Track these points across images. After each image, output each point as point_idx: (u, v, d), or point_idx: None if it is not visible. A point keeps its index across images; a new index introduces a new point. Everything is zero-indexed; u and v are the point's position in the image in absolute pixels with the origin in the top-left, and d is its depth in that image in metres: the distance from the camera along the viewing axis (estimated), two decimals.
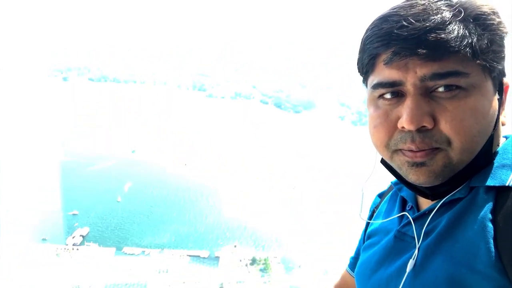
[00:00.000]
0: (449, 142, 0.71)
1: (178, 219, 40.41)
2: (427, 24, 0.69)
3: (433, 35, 0.68)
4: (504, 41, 0.75)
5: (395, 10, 0.74)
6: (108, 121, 70.36)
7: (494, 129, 0.76)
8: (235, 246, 35.32)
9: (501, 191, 0.70)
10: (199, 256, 34.04)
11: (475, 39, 0.70)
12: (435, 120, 0.71)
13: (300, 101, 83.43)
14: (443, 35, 0.68)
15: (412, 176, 0.75)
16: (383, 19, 0.75)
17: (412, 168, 0.75)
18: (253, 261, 33.17)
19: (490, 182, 0.72)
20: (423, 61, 0.70)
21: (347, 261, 1.17)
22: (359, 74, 0.85)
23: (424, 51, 0.69)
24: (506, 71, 0.78)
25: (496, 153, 0.78)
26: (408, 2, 0.74)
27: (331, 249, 35.67)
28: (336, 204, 43.57)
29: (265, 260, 33.33)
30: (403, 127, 0.72)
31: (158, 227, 38.68)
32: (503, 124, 0.80)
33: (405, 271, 0.78)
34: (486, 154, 0.76)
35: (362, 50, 0.80)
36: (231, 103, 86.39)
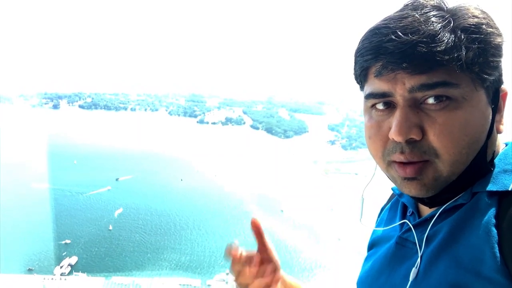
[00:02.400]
0: (437, 154, 0.72)
1: (170, 247, 39.84)
2: (415, 37, 0.69)
3: (420, 48, 0.68)
4: (500, 50, 0.74)
5: (385, 22, 0.74)
6: (98, 148, 70.08)
7: (488, 137, 0.75)
8: (227, 274, 34.77)
9: (504, 196, 0.70)
10: (190, 284, 33.42)
11: (464, 51, 0.69)
12: (424, 132, 0.71)
13: (290, 126, 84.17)
14: (430, 48, 0.68)
15: (405, 189, 0.77)
16: (373, 32, 0.75)
17: (404, 182, 0.76)
18: None
19: (492, 187, 0.72)
20: (411, 74, 0.70)
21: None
22: (356, 83, 0.86)
23: (411, 64, 0.69)
24: (506, 77, 0.77)
25: (493, 159, 0.78)
26: (399, 13, 0.74)
27: (325, 274, 35.40)
28: (325, 227, 43.50)
29: None
30: (393, 138, 0.73)
31: (148, 255, 38.06)
32: (499, 132, 0.79)
33: (408, 279, 0.77)
34: (481, 163, 0.75)
35: (355, 62, 0.81)
36: (222, 129, 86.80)
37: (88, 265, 35.14)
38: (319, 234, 42.64)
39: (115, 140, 75.46)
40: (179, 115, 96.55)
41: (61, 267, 34.36)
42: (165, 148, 72.37)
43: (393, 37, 0.70)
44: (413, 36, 0.69)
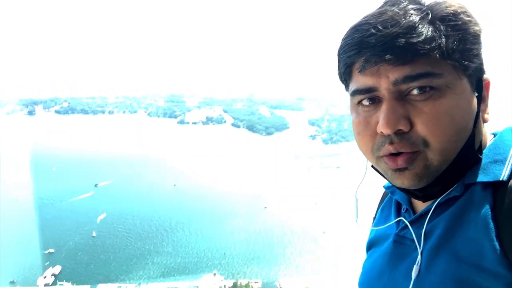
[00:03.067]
0: (426, 144, 0.73)
1: (154, 251, 39.51)
2: (395, 30, 0.71)
3: (400, 40, 0.70)
4: (478, 39, 0.76)
5: (366, 19, 0.76)
6: (78, 153, 68.87)
7: (475, 126, 0.77)
8: (214, 274, 34.75)
9: (498, 187, 0.71)
10: (177, 287, 33.28)
11: (443, 40, 0.72)
12: (411, 123, 0.73)
13: (271, 123, 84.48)
14: (410, 39, 0.70)
15: (397, 181, 0.78)
16: (355, 29, 0.77)
17: (395, 173, 0.76)
18: (234, 287, 32.72)
19: (484, 178, 0.73)
20: (394, 66, 0.72)
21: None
22: (341, 82, 0.87)
23: (393, 56, 0.71)
24: (488, 67, 0.78)
25: (481, 149, 0.79)
26: (378, 10, 0.77)
27: (310, 271, 35.75)
28: (311, 223, 43.87)
29: (246, 286, 32.91)
30: (381, 132, 0.74)
31: (134, 260, 37.66)
32: (485, 121, 0.81)
33: (410, 277, 0.77)
34: (470, 151, 0.77)
35: (338, 60, 0.83)
36: (203, 128, 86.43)
37: (72, 274, 34.54)
38: (304, 228, 42.95)
39: (94, 144, 74.27)
40: (158, 116, 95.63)
41: (44, 277, 33.70)
42: (145, 151, 71.63)
43: (374, 31, 0.72)
44: (393, 29, 0.71)
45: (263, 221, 45.47)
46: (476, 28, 0.76)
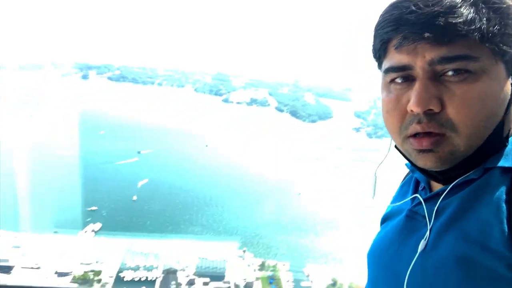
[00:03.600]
0: (454, 128, 0.72)
1: (190, 222, 40.63)
2: (436, 9, 0.69)
3: (441, 19, 0.69)
4: None
5: None
6: (125, 120, 71.34)
7: (506, 112, 0.75)
8: (244, 251, 35.32)
9: None
10: (207, 258, 34.13)
11: (484, 23, 0.69)
12: (443, 104, 0.72)
13: (315, 111, 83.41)
14: (451, 19, 0.68)
15: (420, 162, 0.77)
16: (394, 6, 0.76)
17: (419, 154, 0.76)
18: (262, 267, 33.14)
19: (504, 163, 0.72)
20: (432, 45, 0.70)
21: None
22: (374, 59, 0.86)
23: (432, 35, 0.69)
24: None
25: (508, 136, 0.77)
26: None
27: (339, 258, 35.50)
28: (345, 213, 43.34)
29: (273, 266, 33.26)
30: (411, 110, 0.74)
31: (170, 228, 38.94)
32: None
33: (417, 251, 0.78)
34: (497, 138, 0.75)
35: (374, 36, 0.82)
36: (246, 109, 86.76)
37: (110, 232, 36.27)
38: (337, 219, 42.59)
39: (141, 113, 76.52)
40: (204, 92, 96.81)
41: (85, 232, 35.62)
42: (189, 125, 72.99)
43: (415, 8, 0.70)
44: (434, 8, 0.69)
45: (295, 207, 45.52)
46: None
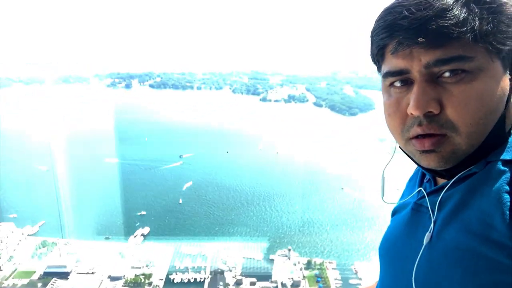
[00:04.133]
0: (455, 128, 0.73)
1: (234, 221, 41.05)
2: (428, 13, 0.70)
3: (433, 23, 0.70)
4: None
5: (399, 1, 0.76)
6: (168, 125, 73.23)
7: (506, 108, 0.76)
8: (289, 250, 35.20)
9: None
10: (253, 258, 34.33)
11: (477, 23, 0.71)
12: (442, 106, 0.73)
13: (355, 103, 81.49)
14: (443, 22, 0.70)
15: (424, 162, 0.80)
16: (388, 11, 0.78)
17: (423, 155, 0.79)
18: (308, 265, 32.88)
19: (506, 156, 0.73)
20: (426, 49, 0.72)
21: None
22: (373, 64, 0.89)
23: (425, 39, 0.71)
24: None
25: (511, 130, 0.79)
26: None
27: None
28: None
29: (320, 265, 32.90)
30: (411, 113, 0.76)
31: (216, 228, 39.56)
32: None
33: (422, 243, 0.80)
34: (499, 133, 0.76)
35: (371, 42, 0.84)
36: (285, 106, 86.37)
37: (159, 235, 37.36)
38: (384, 215, 41.41)
39: (183, 118, 78.22)
40: (242, 93, 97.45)
41: (135, 236, 36.93)
42: (229, 126, 73.72)
43: (407, 14, 0.72)
44: (426, 12, 0.71)
45: (340, 201, 44.78)
46: (511, 9, 0.74)
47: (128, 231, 37.60)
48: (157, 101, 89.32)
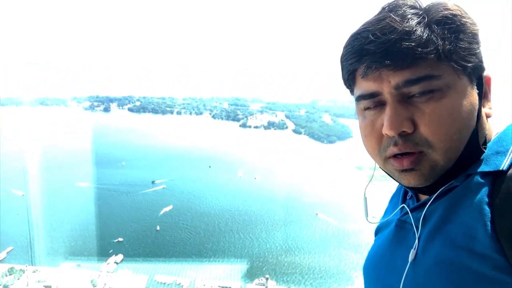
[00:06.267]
0: (430, 145, 0.75)
1: (212, 249, 40.39)
2: (393, 36, 0.73)
3: (398, 45, 0.73)
4: (476, 38, 0.78)
5: (365, 26, 0.79)
6: (146, 150, 72.52)
7: (477, 122, 0.78)
8: (267, 279, 34.73)
9: (497, 176, 0.72)
10: (230, 287, 33.71)
11: (440, 43, 0.74)
12: (415, 124, 0.75)
13: (334, 131, 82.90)
14: (408, 44, 0.73)
15: (404, 181, 0.81)
16: (355, 37, 0.80)
17: (402, 174, 0.80)
18: None
19: (484, 168, 0.75)
20: (394, 71, 0.75)
21: None
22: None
23: (392, 61, 0.74)
24: (488, 65, 0.79)
25: (485, 143, 0.81)
26: (376, 17, 0.80)
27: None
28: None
29: None
30: (386, 134, 0.78)
31: (193, 257, 38.77)
32: (488, 116, 0.82)
33: (408, 260, 0.80)
34: (474, 147, 0.78)
35: (341, 68, 0.87)
36: (264, 133, 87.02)
37: (133, 263, 36.31)
38: (361, 241, 41.57)
39: (162, 142, 77.67)
40: (222, 118, 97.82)
41: (107, 264, 35.80)
42: (208, 151, 73.52)
43: (373, 38, 0.75)
44: (391, 35, 0.74)
45: (317, 228, 44.85)
46: (473, 27, 0.77)
47: (101, 258, 36.47)
48: (136, 125, 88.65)
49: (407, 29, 0.74)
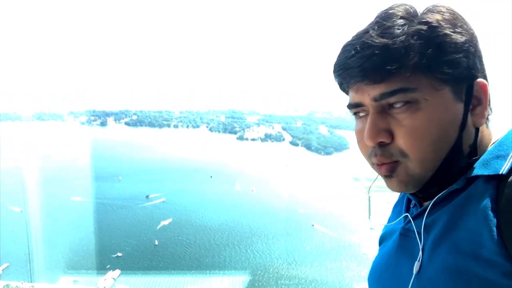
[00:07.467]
0: (404, 155, 0.78)
1: (211, 264, 40.10)
2: (370, 51, 0.76)
3: (374, 60, 0.76)
4: (460, 47, 0.77)
5: (351, 39, 0.82)
6: (143, 164, 72.38)
7: (463, 131, 0.79)
8: None
9: (501, 181, 0.72)
10: None
11: (417, 56, 0.75)
12: (393, 135, 0.79)
13: (330, 143, 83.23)
14: (383, 59, 0.75)
15: (388, 186, 0.84)
16: (343, 49, 0.83)
17: (386, 179, 0.84)
18: None
19: (484, 171, 0.75)
20: (371, 85, 0.78)
21: None
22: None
23: (367, 76, 0.77)
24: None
25: (475, 151, 0.81)
26: (363, 29, 0.82)
27: None
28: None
29: None
30: (366, 143, 0.82)
31: (192, 271, 38.47)
32: (479, 124, 0.82)
33: (413, 269, 0.80)
34: (456, 156, 0.79)
35: (334, 76, 0.90)
36: (261, 145, 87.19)
37: (131, 277, 35.97)
38: (362, 253, 41.46)
39: (159, 156, 77.59)
40: (219, 131, 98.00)
41: (105, 279, 35.41)
42: (206, 164, 73.46)
43: (353, 52, 0.79)
44: (368, 51, 0.76)
45: (315, 241, 44.74)
46: (456, 37, 0.77)
47: (99, 272, 36.12)
48: (132, 139, 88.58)
49: (384, 43, 0.76)
